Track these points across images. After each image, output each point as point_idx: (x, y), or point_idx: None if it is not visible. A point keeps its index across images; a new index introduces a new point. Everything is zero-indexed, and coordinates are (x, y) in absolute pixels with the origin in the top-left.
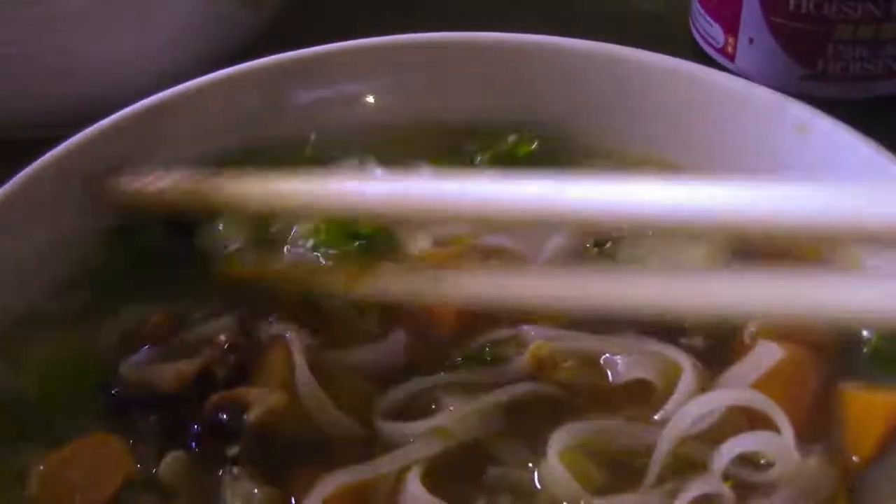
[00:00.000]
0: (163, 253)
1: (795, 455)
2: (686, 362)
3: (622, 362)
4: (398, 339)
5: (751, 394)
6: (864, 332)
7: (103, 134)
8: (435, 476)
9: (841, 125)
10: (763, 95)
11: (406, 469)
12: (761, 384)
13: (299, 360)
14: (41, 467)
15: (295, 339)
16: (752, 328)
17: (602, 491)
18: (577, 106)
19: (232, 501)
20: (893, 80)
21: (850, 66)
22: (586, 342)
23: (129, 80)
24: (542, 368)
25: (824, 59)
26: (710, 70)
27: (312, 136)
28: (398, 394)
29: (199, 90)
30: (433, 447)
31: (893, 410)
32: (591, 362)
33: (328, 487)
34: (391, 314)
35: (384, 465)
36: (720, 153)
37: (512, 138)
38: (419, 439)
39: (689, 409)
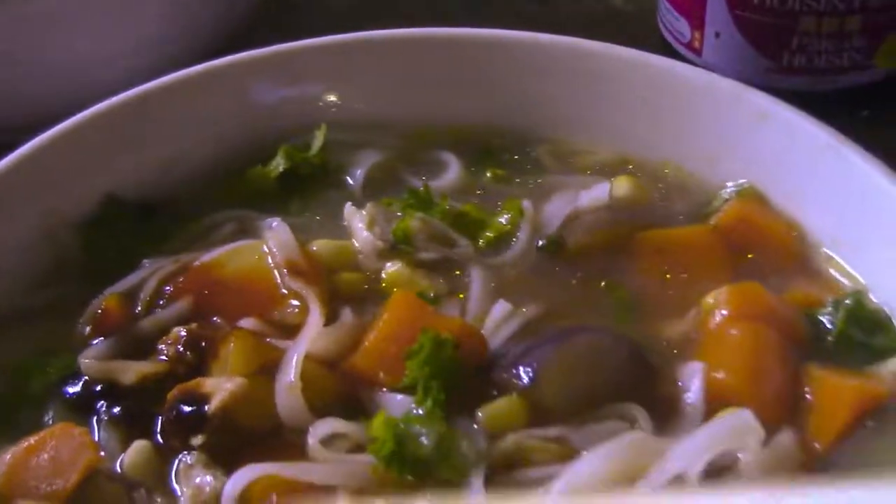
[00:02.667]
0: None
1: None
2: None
3: None
4: (346, 319)
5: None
6: (825, 318)
7: (73, 132)
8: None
9: (799, 113)
10: (724, 85)
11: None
12: (730, 363)
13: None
14: (7, 457)
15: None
16: (723, 311)
17: None
18: (547, 100)
19: (184, 488)
20: (858, 73)
21: (815, 59)
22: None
23: (97, 81)
24: None
25: (789, 52)
26: (674, 62)
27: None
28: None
29: (167, 89)
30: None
31: (860, 396)
32: None
33: (249, 474)
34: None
35: (318, 476)
36: (686, 140)
37: None
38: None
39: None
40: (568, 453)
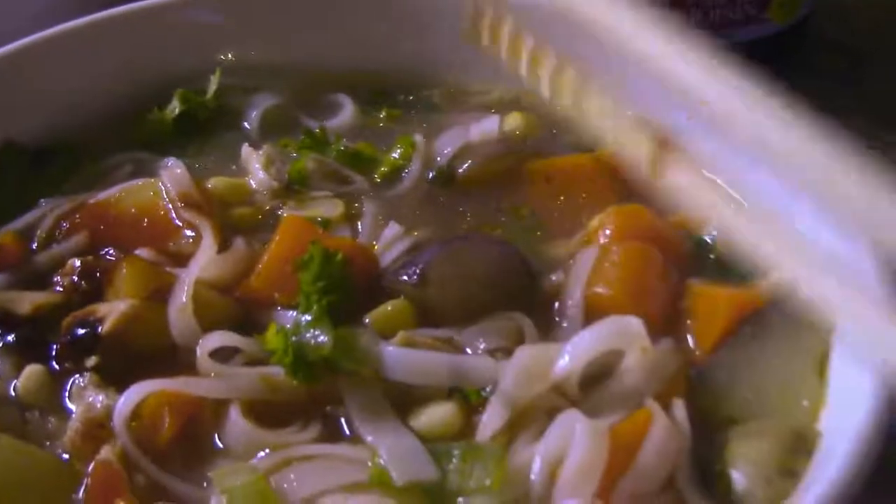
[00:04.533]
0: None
1: (646, 342)
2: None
3: None
4: (239, 247)
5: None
6: (708, 238)
7: None
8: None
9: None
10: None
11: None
12: (611, 278)
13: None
14: None
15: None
16: (607, 230)
17: None
18: (440, 43)
19: (76, 407)
20: (751, 27)
21: (710, 14)
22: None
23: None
24: None
25: (684, 8)
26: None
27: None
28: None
29: (62, 36)
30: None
31: (735, 303)
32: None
33: (140, 390)
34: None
35: (206, 389)
36: None
37: None
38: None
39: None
40: (453, 351)
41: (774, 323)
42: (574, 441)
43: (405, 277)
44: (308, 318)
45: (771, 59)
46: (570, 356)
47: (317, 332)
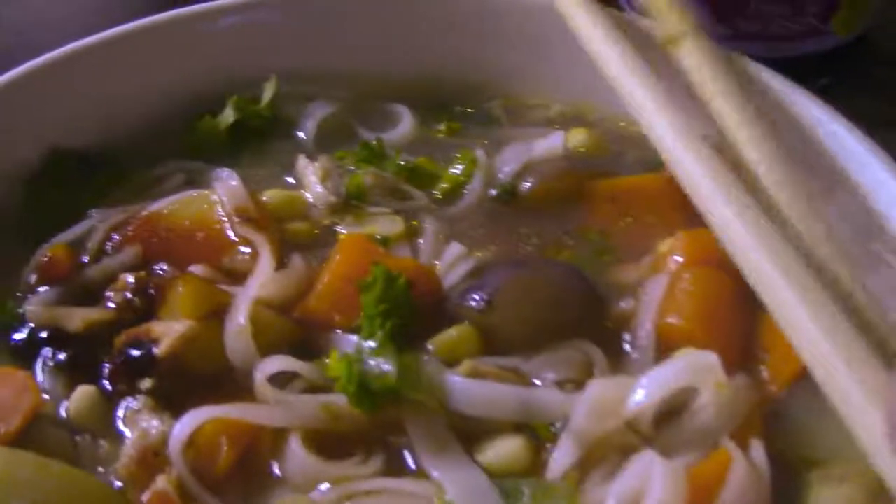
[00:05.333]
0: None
1: (722, 377)
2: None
3: None
4: (297, 265)
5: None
6: None
7: (12, 86)
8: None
9: (755, 65)
10: None
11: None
12: (683, 308)
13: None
14: None
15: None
16: (677, 257)
17: None
18: (499, 54)
19: (130, 432)
20: (815, 39)
21: (770, 26)
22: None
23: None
24: None
25: (744, 19)
26: (631, 15)
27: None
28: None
29: (113, 41)
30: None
31: None
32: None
33: (198, 417)
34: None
35: (266, 417)
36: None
37: None
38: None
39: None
40: (521, 382)
41: None
42: (652, 483)
43: (472, 303)
44: (372, 344)
45: (829, 73)
46: (645, 391)
47: (381, 360)
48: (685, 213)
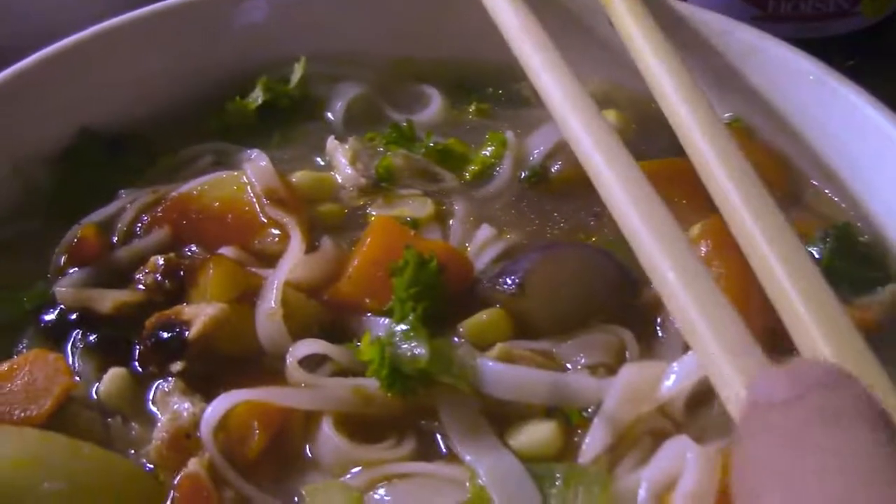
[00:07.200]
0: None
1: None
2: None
3: None
4: (327, 247)
5: None
6: (815, 252)
7: (42, 65)
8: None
9: (788, 47)
10: (712, 19)
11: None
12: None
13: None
14: None
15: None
16: (708, 241)
17: None
18: None
19: (161, 414)
20: (845, 20)
21: (801, 6)
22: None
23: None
24: None
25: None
26: None
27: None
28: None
29: (142, 21)
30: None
31: None
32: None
33: (230, 400)
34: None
35: (297, 400)
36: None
37: None
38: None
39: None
40: (553, 366)
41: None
42: (685, 468)
43: (504, 287)
44: (403, 327)
45: (857, 54)
46: (677, 376)
47: (413, 344)
48: None
